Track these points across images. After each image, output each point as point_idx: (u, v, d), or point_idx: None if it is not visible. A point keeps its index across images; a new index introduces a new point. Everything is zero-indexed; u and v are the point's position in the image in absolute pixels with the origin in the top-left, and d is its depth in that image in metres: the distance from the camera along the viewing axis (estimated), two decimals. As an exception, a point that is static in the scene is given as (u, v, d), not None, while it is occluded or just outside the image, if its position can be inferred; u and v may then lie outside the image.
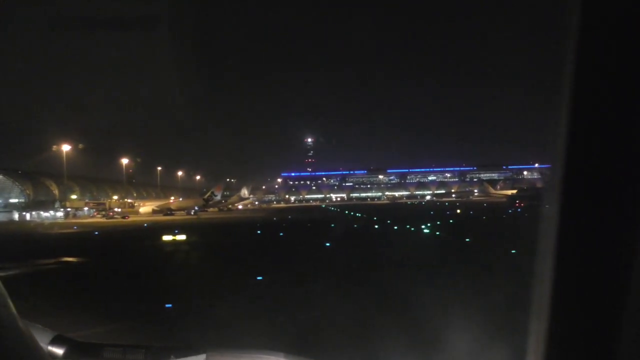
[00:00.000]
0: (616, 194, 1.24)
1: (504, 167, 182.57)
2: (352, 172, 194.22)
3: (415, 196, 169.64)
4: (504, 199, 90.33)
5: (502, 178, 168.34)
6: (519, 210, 60.25)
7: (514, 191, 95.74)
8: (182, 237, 31.07)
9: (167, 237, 30.60)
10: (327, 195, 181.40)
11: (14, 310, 1.40)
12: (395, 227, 35.40)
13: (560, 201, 1.27)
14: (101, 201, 79.43)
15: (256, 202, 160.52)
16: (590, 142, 1.26)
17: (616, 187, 1.24)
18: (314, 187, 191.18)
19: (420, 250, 20.84)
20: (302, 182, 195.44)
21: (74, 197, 79.77)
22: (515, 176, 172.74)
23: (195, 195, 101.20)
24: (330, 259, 19.17)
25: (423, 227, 33.69)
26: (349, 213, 64.47)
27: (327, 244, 24.23)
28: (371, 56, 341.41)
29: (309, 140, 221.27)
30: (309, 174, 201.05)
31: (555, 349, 1.29)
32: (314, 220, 49.31)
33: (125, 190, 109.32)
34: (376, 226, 37.91)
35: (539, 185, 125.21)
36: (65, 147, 72.67)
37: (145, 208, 78.49)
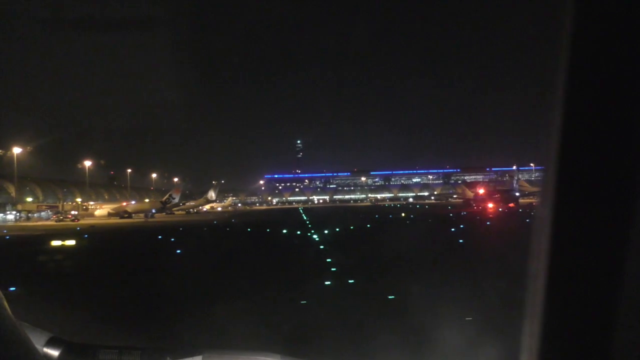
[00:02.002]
0: (609, 193, 1.24)
1: (488, 169, 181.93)
2: (335, 174, 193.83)
3: (398, 198, 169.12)
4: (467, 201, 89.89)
5: (487, 180, 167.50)
6: (463, 213, 59.73)
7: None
8: (71, 242, 30.77)
9: (56, 242, 30.37)
10: (310, 198, 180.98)
11: (9, 312, 1.43)
12: (298, 232, 35.30)
13: (553, 200, 1.27)
14: (54, 204, 79.00)
15: (239, 204, 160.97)
16: (584, 141, 1.26)
17: (609, 187, 1.24)
18: (297, 190, 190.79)
19: (248, 252, 20.66)
20: (287, 184, 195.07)
21: (29, 199, 79.45)
22: (500, 178, 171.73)
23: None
24: (152, 264, 18.94)
25: (326, 231, 34.33)
26: (304, 216, 64.25)
27: (178, 251, 24.16)
28: (358, 58, 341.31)
29: (297, 142, 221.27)
30: (292, 175, 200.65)
31: (549, 348, 1.29)
32: (244, 224, 49.35)
33: (95, 192, 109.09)
34: (284, 231, 37.48)
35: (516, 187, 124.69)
36: (21, 149, 72.30)
37: (101, 211, 77.81)
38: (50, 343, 1.82)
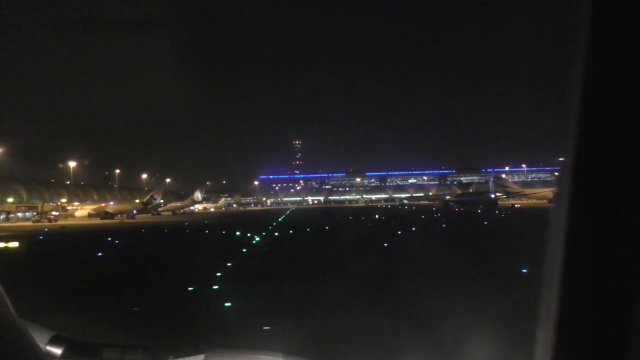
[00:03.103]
0: (626, 196, 1.22)
1: (483, 170, 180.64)
2: (331, 174, 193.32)
3: (393, 199, 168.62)
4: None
5: (482, 181, 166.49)
6: (438, 214, 59.26)
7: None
8: (14, 244, 30.63)
9: (-1, 244, 30.32)
10: (305, 198, 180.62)
11: (12, 310, 1.46)
12: (248, 235, 35.06)
13: (568, 202, 1.26)
14: (34, 205, 79.03)
15: (234, 205, 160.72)
16: (600, 144, 1.25)
17: (626, 190, 1.22)
18: (292, 190, 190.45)
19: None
20: (282, 184, 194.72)
21: (10, 200, 79.54)
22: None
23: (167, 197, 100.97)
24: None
25: (277, 234, 34.56)
26: (280, 218, 64.10)
27: (99, 254, 23.92)
28: (356, 59, 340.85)
29: (296, 142, 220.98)
30: (287, 176, 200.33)
31: (563, 353, 1.28)
32: (210, 226, 49.23)
33: (84, 193, 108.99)
34: (237, 233, 37.24)
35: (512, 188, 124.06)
36: (1, 149, 72.31)
37: (82, 212, 77.78)
38: (53, 341, 1.83)
